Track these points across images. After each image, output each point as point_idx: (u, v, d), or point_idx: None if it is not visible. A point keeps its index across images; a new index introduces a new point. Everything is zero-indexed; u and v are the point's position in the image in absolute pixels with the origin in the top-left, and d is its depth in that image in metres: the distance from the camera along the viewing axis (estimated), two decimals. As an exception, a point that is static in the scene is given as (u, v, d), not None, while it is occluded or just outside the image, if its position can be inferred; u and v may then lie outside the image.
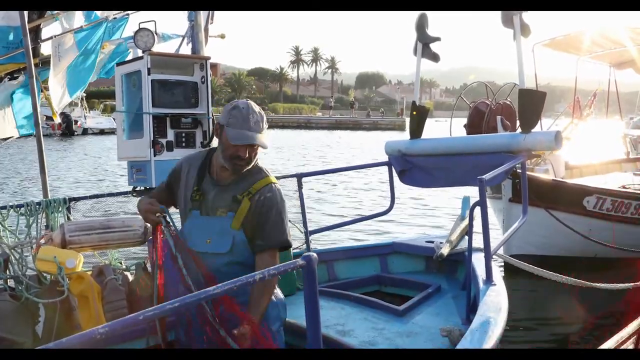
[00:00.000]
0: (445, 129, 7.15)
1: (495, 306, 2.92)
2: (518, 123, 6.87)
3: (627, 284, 4.97)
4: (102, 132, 42.58)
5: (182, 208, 2.66)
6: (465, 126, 7.42)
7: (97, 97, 58.53)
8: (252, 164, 2.54)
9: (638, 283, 4.94)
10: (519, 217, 4.09)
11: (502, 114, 6.79)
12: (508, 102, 7.07)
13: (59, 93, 5.82)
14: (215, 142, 4.23)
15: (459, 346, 2.54)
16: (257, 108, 2.50)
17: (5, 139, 6.04)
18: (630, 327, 3.77)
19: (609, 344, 3.51)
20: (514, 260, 4.65)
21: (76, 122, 39.94)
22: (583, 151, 10.80)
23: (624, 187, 8.30)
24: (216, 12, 4.90)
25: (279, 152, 26.80)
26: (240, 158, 2.45)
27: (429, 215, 12.00)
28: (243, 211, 2.48)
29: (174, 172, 2.76)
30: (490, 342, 2.54)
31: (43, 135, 5.34)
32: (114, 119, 42.64)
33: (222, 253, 2.46)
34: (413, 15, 4.59)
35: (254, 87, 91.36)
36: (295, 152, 28.17)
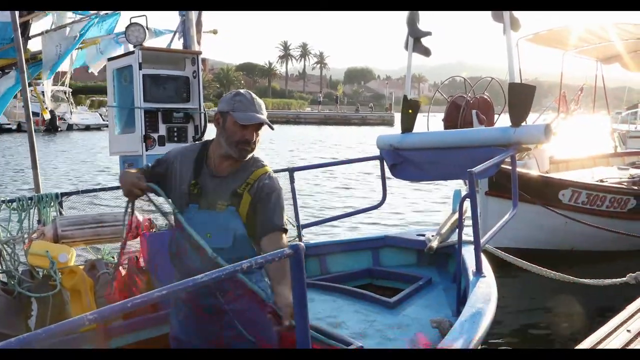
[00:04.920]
0: (430, 123, 7.14)
1: (484, 297, 2.96)
2: (496, 117, 6.95)
3: (613, 280, 5.03)
4: (87, 128, 42.17)
5: (176, 203, 2.57)
6: (443, 120, 7.41)
7: (84, 92, 58.10)
8: (255, 149, 2.59)
9: (624, 279, 5.00)
10: (495, 210, 4.11)
11: (478, 108, 6.81)
12: (485, 97, 7.10)
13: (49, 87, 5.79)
14: (207, 136, 4.27)
15: (448, 336, 2.57)
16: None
17: None
18: (615, 321, 3.85)
19: (596, 336, 3.58)
20: (504, 254, 4.70)
21: (60, 117, 39.33)
22: (570, 146, 10.88)
23: (601, 180, 8.35)
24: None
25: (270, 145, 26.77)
26: (248, 142, 2.50)
27: (421, 208, 12.07)
28: (245, 205, 2.51)
29: (163, 162, 2.67)
30: (478, 333, 2.58)
31: (24, 131, 5.35)
32: (100, 114, 42.37)
33: (223, 248, 2.43)
34: (402, 12, 4.61)
35: (242, 82, 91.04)
36: (285, 146, 28.11)
